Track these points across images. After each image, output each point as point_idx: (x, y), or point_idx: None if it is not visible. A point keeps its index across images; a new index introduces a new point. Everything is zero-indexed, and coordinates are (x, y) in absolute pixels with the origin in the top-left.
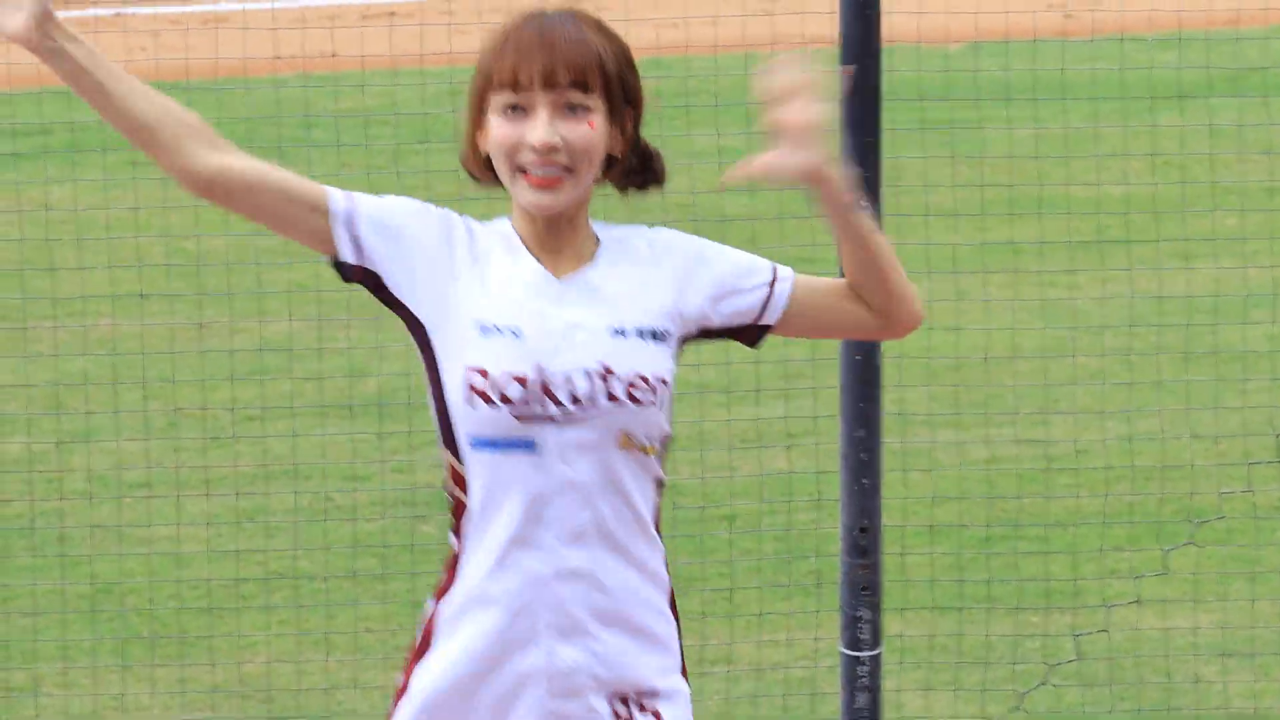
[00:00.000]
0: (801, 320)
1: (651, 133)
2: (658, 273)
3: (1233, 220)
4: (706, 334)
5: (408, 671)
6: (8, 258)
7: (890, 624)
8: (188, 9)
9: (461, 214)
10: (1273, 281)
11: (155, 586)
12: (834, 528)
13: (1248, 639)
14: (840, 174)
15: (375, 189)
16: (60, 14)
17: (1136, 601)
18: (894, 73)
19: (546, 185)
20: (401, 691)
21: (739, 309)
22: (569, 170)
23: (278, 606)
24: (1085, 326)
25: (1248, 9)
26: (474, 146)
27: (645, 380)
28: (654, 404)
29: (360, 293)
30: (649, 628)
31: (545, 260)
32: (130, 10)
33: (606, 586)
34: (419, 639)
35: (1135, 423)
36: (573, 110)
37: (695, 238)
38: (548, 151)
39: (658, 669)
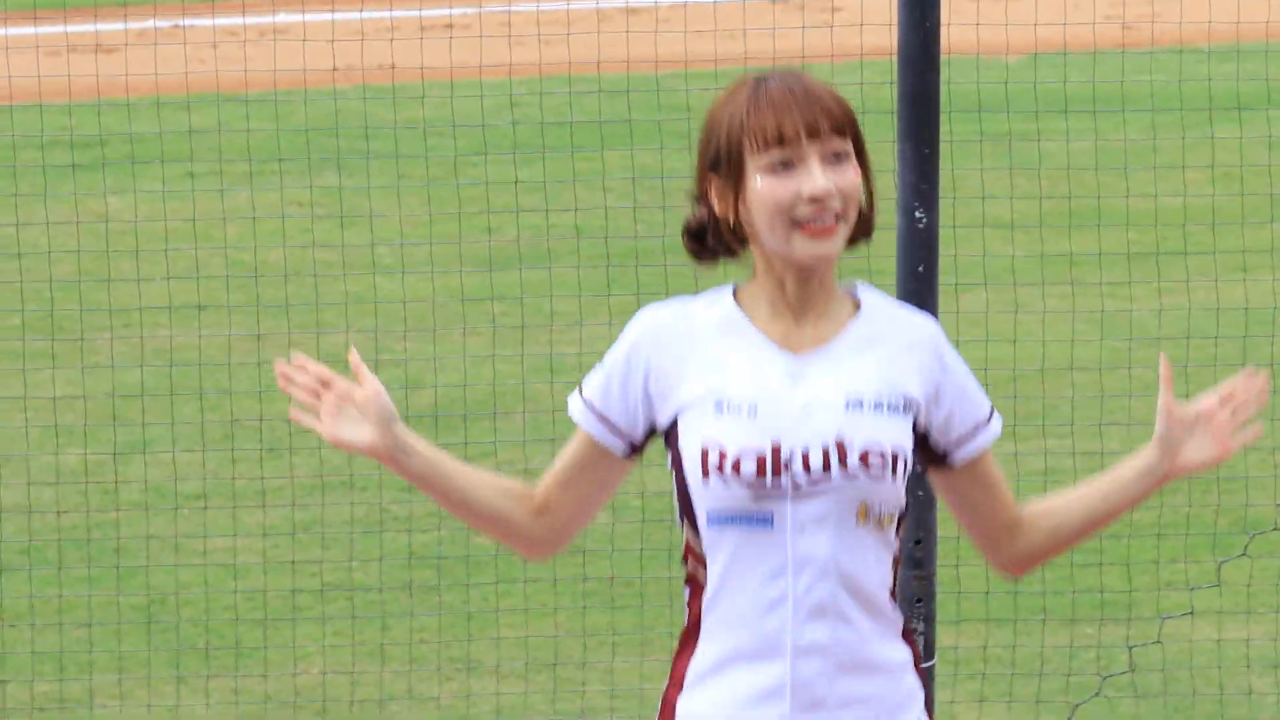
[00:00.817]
0: (964, 481)
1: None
2: (909, 359)
3: None
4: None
5: None
6: (66, 269)
7: (944, 636)
8: (247, 20)
9: (659, 309)
10: None
11: (210, 597)
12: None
13: None
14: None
15: (434, 201)
16: (119, 25)
17: (1190, 613)
18: (953, 84)
19: (825, 233)
20: None
21: (943, 431)
22: (840, 216)
23: (333, 618)
24: (1142, 338)
25: None
26: (733, 217)
27: (880, 451)
28: (888, 476)
29: (416, 305)
30: (890, 699)
31: (786, 328)
32: (189, 22)
33: (846, 660)
34: (666, 699)
35: None
36: (836, 158)
37: (947, 347)
38: (825, 200)
39: None
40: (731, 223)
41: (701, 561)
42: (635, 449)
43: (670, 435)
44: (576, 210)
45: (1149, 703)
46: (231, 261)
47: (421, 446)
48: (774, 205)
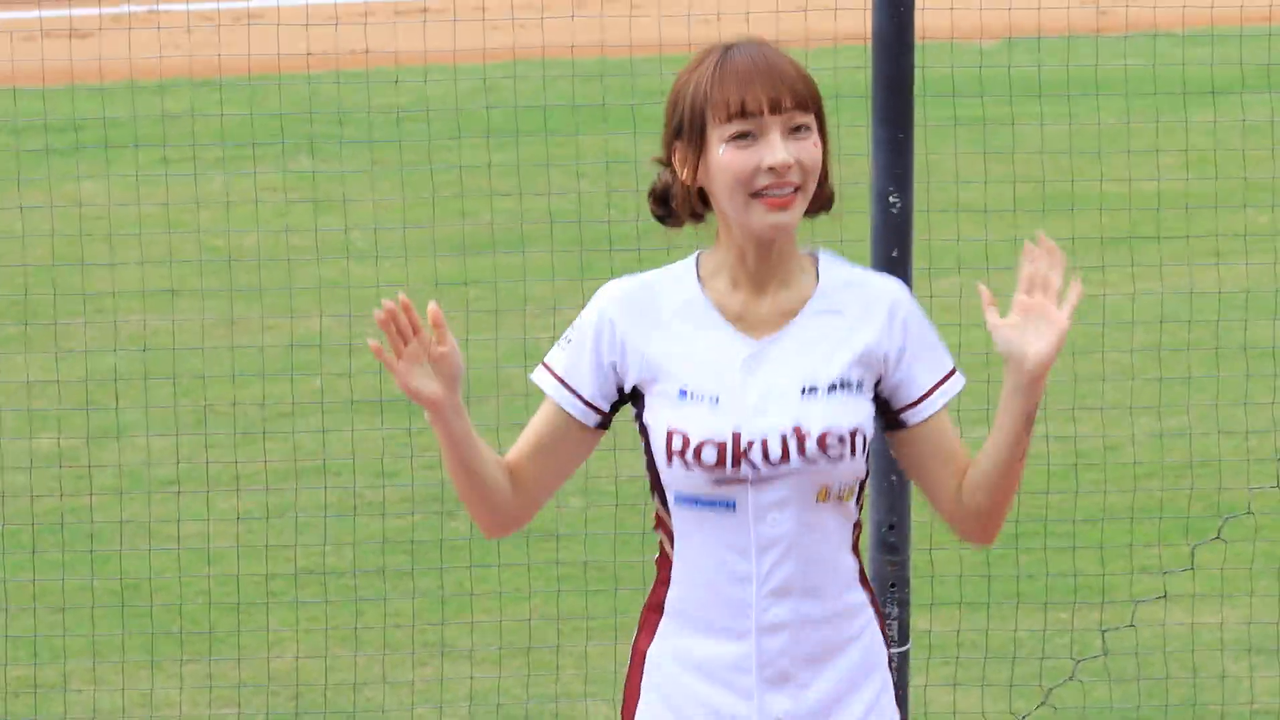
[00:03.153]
0: (920, 446)
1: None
2: (867, 327)
3: (1264, 217)
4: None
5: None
6: (40, 254)
7: (918, 620)
8: (221, 5)
9: (624, 281)
10: None
11: (184, 583)
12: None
13: (1274, 635)
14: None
15: (408, 186)
16: (93, 10)
17: (1164, 597)
18: (927, 69)
19: (783, 205)
20: None
21: (900, 392)
22: (799, 189)
23: (306, 603)
24: (1115, 322)
25: None
26: (689, 184)
27: (839, 434)
28: (847, 455)
29: (389, 290)
30: (856, 668)
31: (749, 294)
32: (164, 7)
33: (811, 636)
34: (626, 689)
35: (1164, 419)
36: (797, 131)
37: (908, 302)
38: (785, 171)
39: (866, 707)
40: (692, 189)
41: (670, 535)
42: (605, 420)
43: (639, 410)
44: (550, 195)
45: (1123, 687)
46: (205, 246)
47: (466, 422)
48: (734, 176)
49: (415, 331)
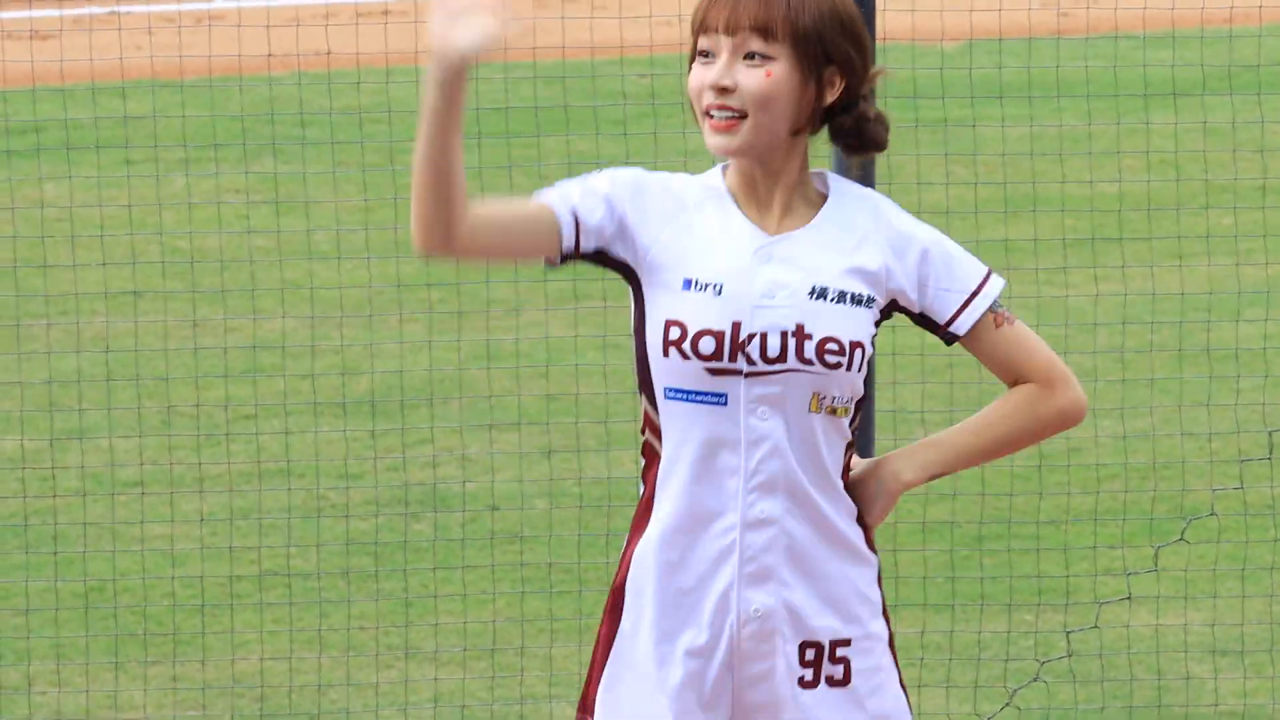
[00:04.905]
0: (988, 351)
1: (645, 129)
2: (873, 242)
3: (1226, 218)
4: (904, 311)
5: (605, 623)
6: (1, 256)
7: None
8: (183, 7)
9: (654, 171)
10: (1266, 279)
11: (148, 584)
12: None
13: (1238, 637)
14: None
15: (371, 187)
16: (54, 12)
17: (1128, 599)
18: (888, 70)
19: (722, 129)
20: (601, 644)
21: (935, 307)
22: (743, 115)
23: (271, 604)
24: (1078, 324)
25: (1241, 7)
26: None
27: (839, 343)
28: (845, 366)
29: (352, 291)
30: (840, 576)
31: (756, 213)
32: (125, 9)
33: (795, 535)
34: (615, 584)
35: (1128, 420)
36: (752, 57)
37: (922, 224)
38: (720, 93)
39: (849, 617)
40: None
41: (657, 433)
42: (571, 255)
43: (637, 304)
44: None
45: (1087, 688)
46: (168, 248)
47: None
48: (690, 91)
49: None
